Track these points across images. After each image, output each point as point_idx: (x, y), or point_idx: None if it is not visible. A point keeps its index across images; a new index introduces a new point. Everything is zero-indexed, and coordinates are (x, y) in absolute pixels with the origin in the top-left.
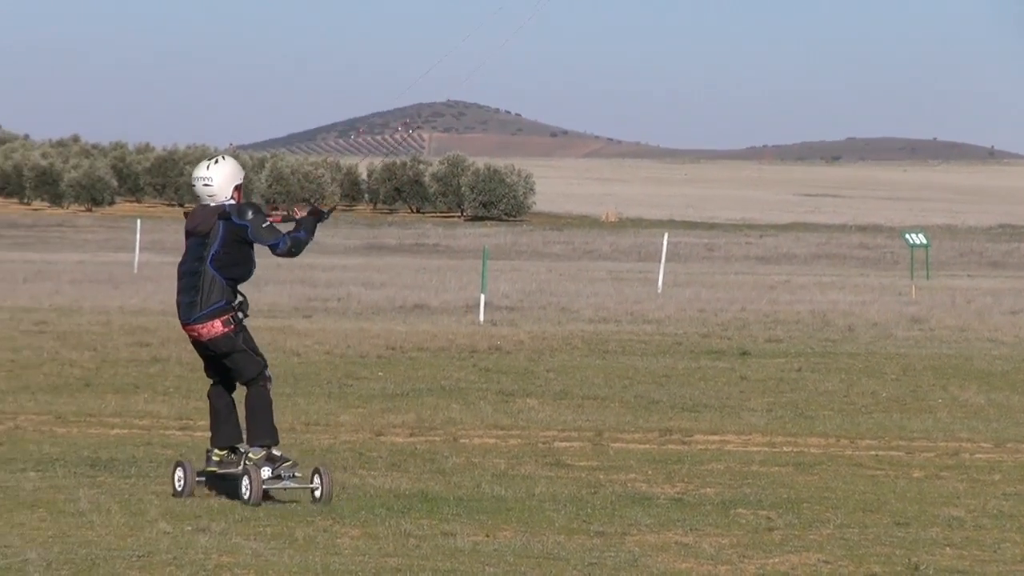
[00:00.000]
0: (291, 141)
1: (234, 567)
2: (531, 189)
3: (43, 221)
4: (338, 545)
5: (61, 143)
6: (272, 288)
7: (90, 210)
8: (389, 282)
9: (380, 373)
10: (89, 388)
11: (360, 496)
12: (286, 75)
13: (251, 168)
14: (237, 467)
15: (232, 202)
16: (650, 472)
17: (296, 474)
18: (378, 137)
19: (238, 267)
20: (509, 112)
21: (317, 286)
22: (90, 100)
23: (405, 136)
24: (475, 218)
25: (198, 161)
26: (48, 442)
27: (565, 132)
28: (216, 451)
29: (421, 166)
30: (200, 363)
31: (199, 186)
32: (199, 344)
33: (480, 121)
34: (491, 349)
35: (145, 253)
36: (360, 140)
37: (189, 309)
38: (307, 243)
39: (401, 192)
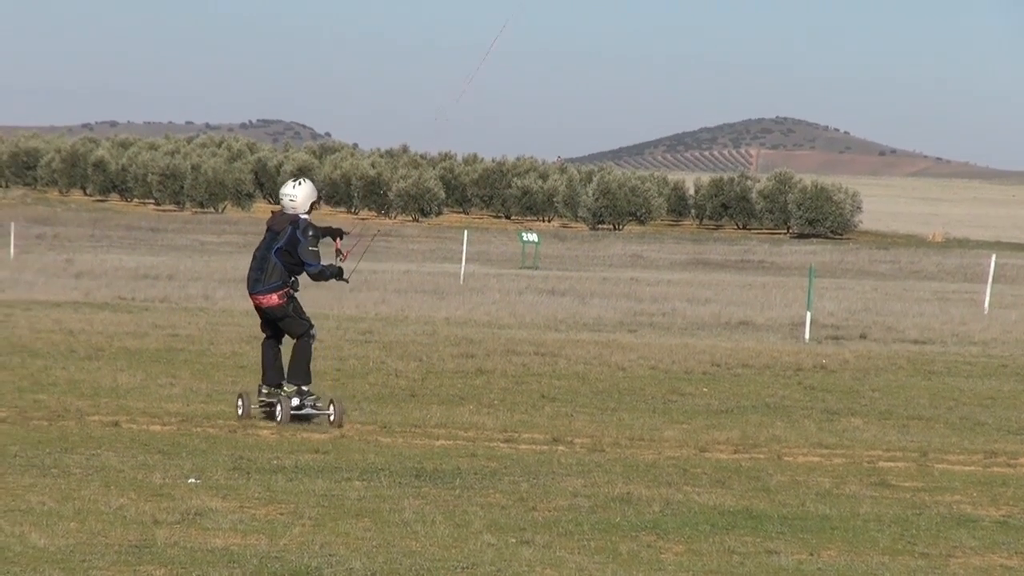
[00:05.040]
0: (619, 155)
1: None
2: (858, 207)
3: (370, 230)
4: (662, 560)
5: (390, 153)
6: (598, 302)
7: (417, 220)
8: (714, 298)
9: (705, 389)
10: (414, 398)
11: (684, 512)
12: (615, 89)
13: (578, 181)
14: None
15: (305, 216)
16: (975, 494)
17: (317, 404)
18: (705, 152)
19: (294, 261)
20: (838, 129)
21: (643, 301)
22: (418, 111)
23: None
24: (801, 235)
25: (525, 172)
26: (373, 451)
27: (893, 151)
28: (265, 387)
29: (748, 182)
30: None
31: (286, 200)
32: (259, 309)
33: (808, 138)
34: (816, 367)
35: (472, 264)
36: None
37: (255, 284)
38: (328, 280)
39: (727, 208)
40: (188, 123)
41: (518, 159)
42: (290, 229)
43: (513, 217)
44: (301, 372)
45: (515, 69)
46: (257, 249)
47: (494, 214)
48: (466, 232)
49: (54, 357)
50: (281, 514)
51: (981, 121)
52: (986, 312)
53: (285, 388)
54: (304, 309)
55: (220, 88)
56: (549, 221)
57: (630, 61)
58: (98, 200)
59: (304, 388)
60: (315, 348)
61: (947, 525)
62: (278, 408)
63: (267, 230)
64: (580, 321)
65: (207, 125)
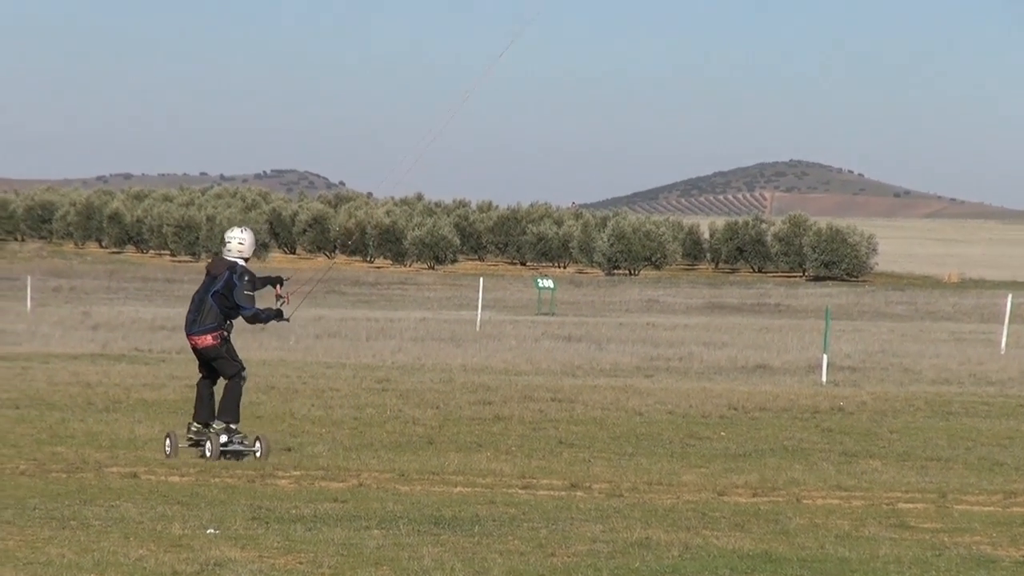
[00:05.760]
0: (633, 200)
1: None
2: (873, 249)
3: (386, 279)
4: None
5: (405, 201)
6: (614, 348)
7: (432, 268)
8: (731, 342)
9: (722, 433)
10: (432, 446)
11: (703, 556)
12: (628, 134)
13: (593, 227)
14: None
15: (243, 263)
16: (994, 534)
17: (244, 442)
18: (719, 196)
19: (229, 305)
20: (852, 172)
21: (659, 345)
22: (433, 159)
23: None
24: (816, 278)
25: (540, 218)
26: (391, 499)
27: (907, 192)
28: (195, 424)
29: (763, 225)
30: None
31: (234, 243)
32: (195, 349)
33: (822, 181)
34: (833, 410)
35: (487, 311)
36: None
37: (191, 324)
38: (264, 322)
39: (743, 251)
40: (203, 174)
41: (532, 205)
42: (227, 274)
43: (528, 263)
44: (231, 410)
45: (528, 115)
46: (196, 292)
47: (509, 261)
48: (482, 279)
49: (72, 409)
50: (300, 563)
51: (996, 161)
52: (1003, 352)
53: (214, 426)
54: (238, 352)
55: (234, 139)
56: (565, 267)
57: (643, 106)
58: (114, 252)
59: (233, 426)
60: (332, 397)
61: (967, 566)
62: (208, 445)
63: (206, 274)
64: (597, 367)
65: (221, 176)
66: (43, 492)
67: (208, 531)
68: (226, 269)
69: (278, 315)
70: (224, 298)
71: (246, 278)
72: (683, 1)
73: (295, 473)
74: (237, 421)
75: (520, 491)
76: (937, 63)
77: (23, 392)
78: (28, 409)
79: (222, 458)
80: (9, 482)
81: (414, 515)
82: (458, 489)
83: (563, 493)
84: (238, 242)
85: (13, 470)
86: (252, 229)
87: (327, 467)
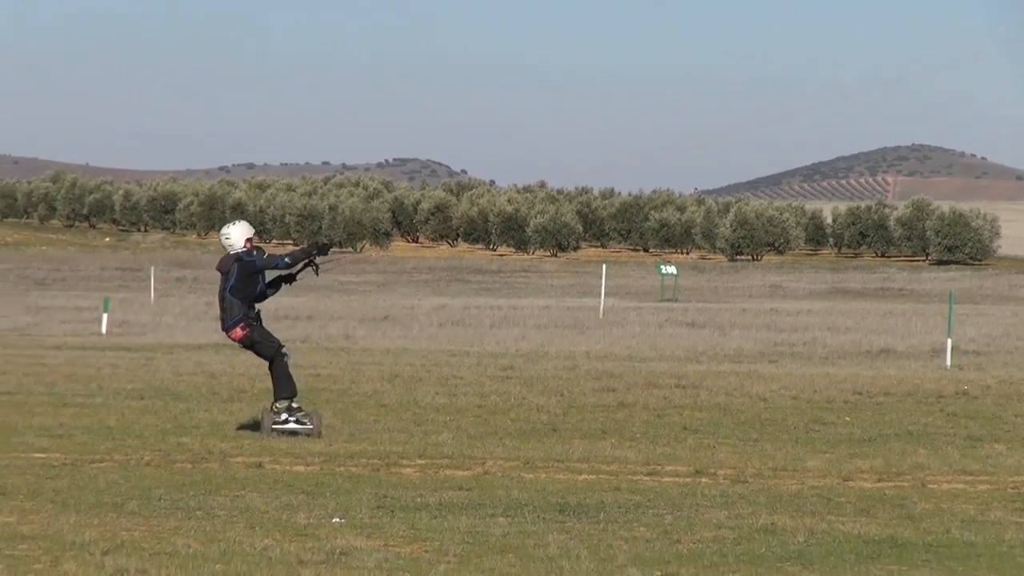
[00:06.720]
0: (756, 186)
1: None
2: (996, 233)
3: (508, 267)
4: None
5: (527, 189)
6: (738, 333)
7: (555, 255)
8: (854, 327)
9: (847, 418)
10: (556, 433)
11: (829, 542)
12: (752, 120)
13: (716, 213)
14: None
15: (244, 249)
16: None
17: (302, 419)
18: (842, 181)
19: (247, 292)
20: (974, 155)
21: (783, 331)
22: (554, 146)
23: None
24: (939, 262)
25: (663, 204)
26: (516, 487)
27: None
28: (277, 404)
29: (886, 210)
30: None
31: (223, 241)
32: (235, 342)
33: (945, 165)
34: (958, 394)
35: (611, 298)
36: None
37: (223, 322)
38: (310, 257)
39: (865, 236)
40: (324, 163)
41: (655, 192)
42: (235, 266)
43: (651, 250)
44: (284, 386)
45: (651, 102)
46: (218, 292)
47: (632, 247)
48: (604, 266)
49: (196, 399)
50: (426, 552)
51: None
52: None
53: (276, 405)
54: (272, 333)
55: (355, 128)
56: (687, 253)
57: (764, 93)
58: None
59: (293, 405)
60: (456, 385)
61: None
62: (264, 421)
63: (220, 274)
64: (720, 352)
65: (343, 165)
66: (168, 482)
67: (333, 520)
68: (232, 262)
69: (322, 249)
70: (240, 289)
71: (255, 252)
72: None
73: (420, 462)
74: (295, 393)
75: (645, 478)
76: None
77: (147, 383)
78: (153, 400)
79: (274, 435)
80: (135, 472)
81: (539, 502)
82: (583, 476)
83: (688, 480)
84: (225, 238)
85: (138, 461)
86: (243, 222)
87: (452, 455)
